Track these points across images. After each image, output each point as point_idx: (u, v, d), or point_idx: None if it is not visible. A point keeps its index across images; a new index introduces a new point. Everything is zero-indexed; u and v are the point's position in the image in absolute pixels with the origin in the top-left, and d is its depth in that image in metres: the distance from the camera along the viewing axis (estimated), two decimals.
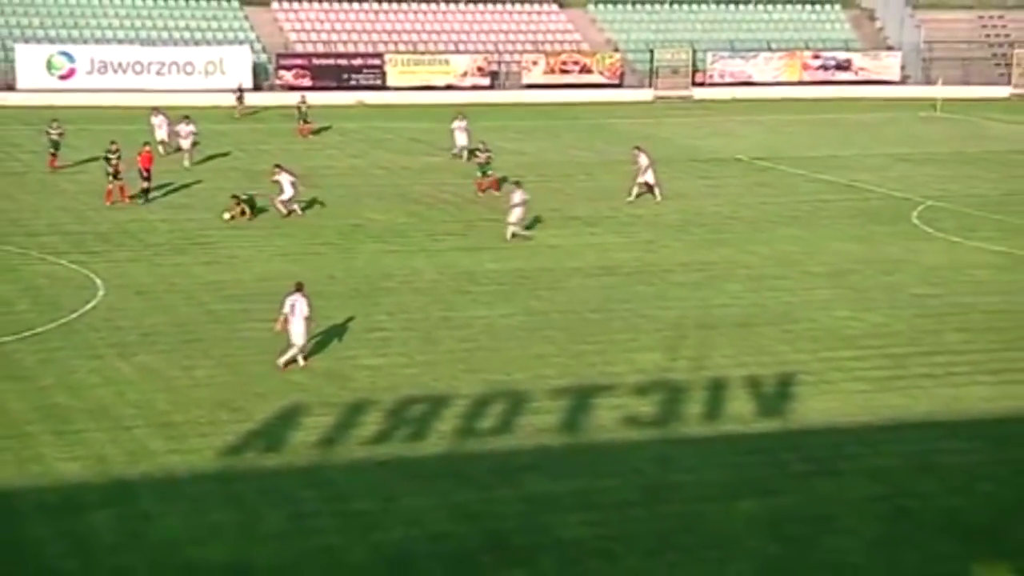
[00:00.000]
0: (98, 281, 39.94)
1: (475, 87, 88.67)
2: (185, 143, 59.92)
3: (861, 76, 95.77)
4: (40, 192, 53.24)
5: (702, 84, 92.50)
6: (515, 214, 46.52)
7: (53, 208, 50.03)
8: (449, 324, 36.63)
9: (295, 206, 49.78)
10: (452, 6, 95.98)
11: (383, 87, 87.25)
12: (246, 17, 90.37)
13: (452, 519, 24.59)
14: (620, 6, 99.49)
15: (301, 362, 32.94)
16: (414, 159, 63.82)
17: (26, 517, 24.33)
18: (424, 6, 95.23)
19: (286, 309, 32.74)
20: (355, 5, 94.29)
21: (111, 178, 50.95)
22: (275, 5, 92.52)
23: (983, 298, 40.45)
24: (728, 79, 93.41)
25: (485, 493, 25.75)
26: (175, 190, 53.17)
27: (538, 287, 40.80)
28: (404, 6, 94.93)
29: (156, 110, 63.67)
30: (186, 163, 59.06)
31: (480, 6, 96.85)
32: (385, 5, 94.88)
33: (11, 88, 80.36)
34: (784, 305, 39.37)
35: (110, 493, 25.42)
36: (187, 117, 60.79)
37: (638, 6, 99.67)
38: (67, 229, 46.78)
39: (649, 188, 53.49)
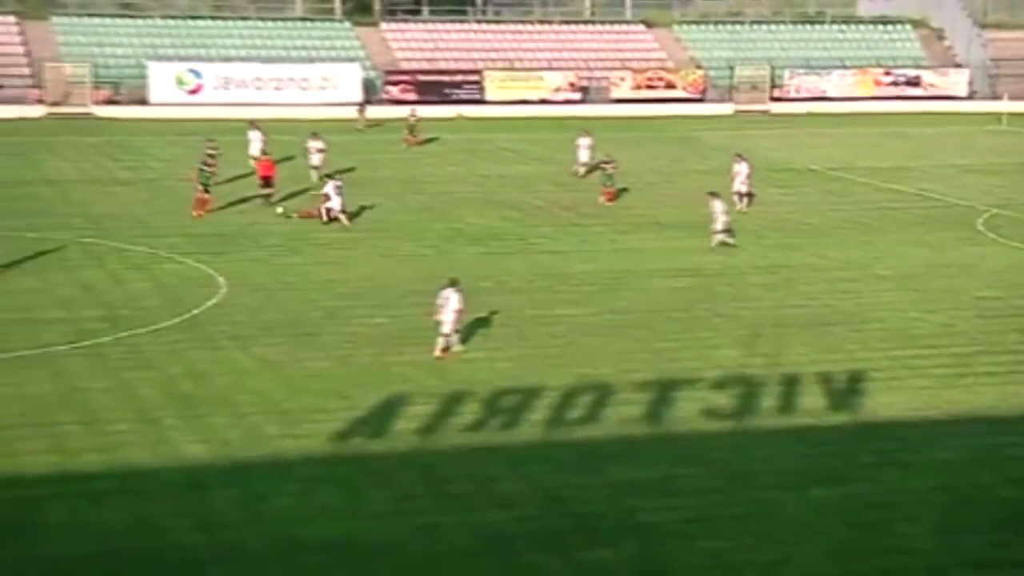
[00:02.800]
0: (220, 279, 40.34)
1: (567, 101, 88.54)
2: (315, 159, 57.45)
3: (930, 92, 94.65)
4: (170, 198, 53.85)
5: (779, 99, 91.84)
6: (720, 222, 45.79)
7: (181, 212, 50.53)
8: (540, 322, 36.65)
9: (340, 215, 48.93)
10: (546, 27, 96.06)
11: (481, 101, 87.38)
12: (357, 37, 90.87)
13: (542, 502, 24.62)
14: (703, 26, 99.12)
15: (457, 348, 33.31)
16: (509, 168, 63.87)
17: (155, 495, 24.63)
18: (520, 27, 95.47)
19: (439, 302, 33.13)
20: (457, 25, 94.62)
21: (203, 188, 49.82)
22: (383, 26, 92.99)
23: None
24: (804, 94, 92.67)
25: (573, 478, 25.75)
26: (290, 196, 53.44)
27: (624, 288, 40.72)
28: (502, 27, 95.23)
29: (252, 124, 61.42)
30: (314, 177, 56.32)
31: (572, 27, 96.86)
32: (484, 26, 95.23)
33: (144, 102, 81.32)
34: (854, 306, 39.05)
35: (230, 474, 25.70)
36: (315, 133, 58.82)
37: (719, 26, 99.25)
38: (193, 231, 47.26)
39: (740, 196, 52.48)
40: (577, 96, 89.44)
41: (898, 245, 47.76)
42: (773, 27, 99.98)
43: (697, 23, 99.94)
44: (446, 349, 33.24)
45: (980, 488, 25.61)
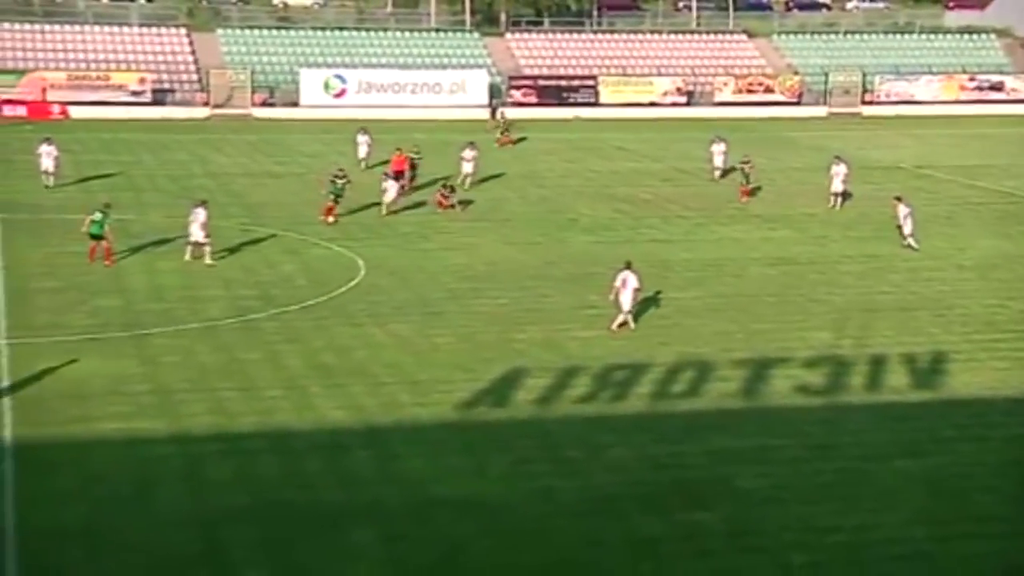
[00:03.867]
0: (360, 263, 40.72)
1: (674, 104, 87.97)
2: (467, 167, 54.58)
3: (1012, 96, 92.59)
4: (316, 190, 54.36)
5: (870, 103, 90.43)
6: (908, 226, 43.75)
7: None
8: (648, 304, 36.50)
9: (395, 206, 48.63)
10: (656, 36, 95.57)
11: (596, 104, 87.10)
12: (485, 46, 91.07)
13: (647, 468, 24.60)
14: (800, 36, 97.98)
15: (632, 324, 33.57)
16: (620, 165, 63.57)
17: (301, 455, 25.01)
18: (632, 36, 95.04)
19: (617, 283, 33.46)
20: (574, 35, 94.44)
21: (333, 199, 47.68)
22: (508, 36, 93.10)
23: None
24: (894, 98, 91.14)
25: (675, 447, 25.69)
26: (417, 188, 53.65)
27: (724, 275, 40.44)
28: (615, 36, 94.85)
29: (363, 130, 60.30)
30: (465, 185, 53.93)
31: (680, 36, 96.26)
32: (599, 36, 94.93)
33: (296, 104, 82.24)
34: (938, 293, 38.43)
35: (367, 437, 25.99)
36: (471, 143, 56.29)
37: (815, 36, 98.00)
38: (338, 219, 47.70)
39: (836, 196, 51.25)
40: (683, 100, 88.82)
41: (979, 238, 46.88)
42: (865, 36, 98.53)
43: (795, 33, 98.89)
44: (623, 324, 33.51)
45: None
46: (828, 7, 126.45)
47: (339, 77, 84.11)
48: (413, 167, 53.40)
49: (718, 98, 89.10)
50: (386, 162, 53.85)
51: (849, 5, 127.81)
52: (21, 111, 74.66)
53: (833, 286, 39.06)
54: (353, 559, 20.74)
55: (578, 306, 36.23)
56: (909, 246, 43.33)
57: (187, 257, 39.84)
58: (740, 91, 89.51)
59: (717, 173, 57.92)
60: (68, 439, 25.31)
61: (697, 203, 52.62)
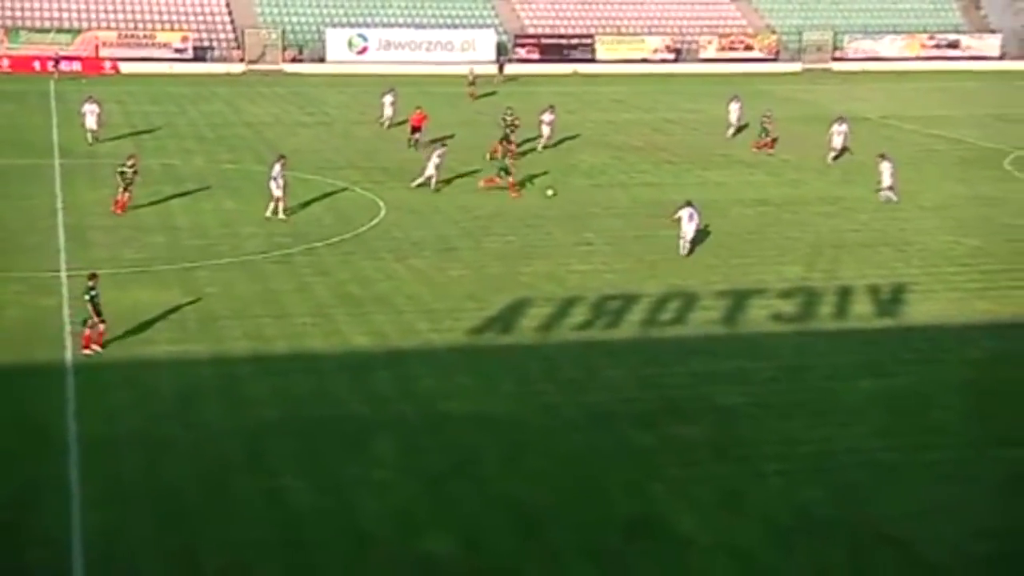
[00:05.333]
0: (381, 203, 40.57)
1: (663, 60, 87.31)
2: (546, 129, 50.93)
3: (967, 53, 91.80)
4: (342, 137, 54.17)
5: (840, 59, 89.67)
6: (887, 179, 42.22)
7: (351, 150, 50.83)
8: (639, 241, 36.41)
9: (424, 180, 42.70)
10: None
11: (593, 60, 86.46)
12: (492, 7, 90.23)
13: (638, 387, 24.63)
14: None
15: (684, 251, 34.33)
16: (616, 115, 63.12)
17: (330, 375, 25.05)
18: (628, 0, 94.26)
19: (677, 216, 34.59)
20: None
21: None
22: None
23: None
24: (860, 55, 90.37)
25: (664, 368, 25.70)
26: (437, 139, 53.29)
27: (708, 214, 40.11)
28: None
29: (391, 90, 57.10)
30: (539, 147, 50.63)
31: None
32: None
33: (322, 60, 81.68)
34: (900, 231, 38.29)
35: (388, 359, 26.01)
36: (551, 106, 52.23)
37: None
38: (360, 165, 47.51)
39: (838, 151, 49.49)
40: (672, 56, 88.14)
41: (938, 181, 46.64)
42: None
43: None
44: (689, 253, 34.23)
45: (1003, 382, 25.17)
46: None
47: (361, 36, 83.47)
48: (507, 136, 48.75)
49: (703, 55, 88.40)
50: (403, 122, 52.80)
51: None
52: (77, 67, 74.19)
53: (805, 225, 38.91)
54: (377, 466, 20.84)
55: (577, 243, 36.13)
56: (889, 199, 41.96)
57: (267, 214, 37.61)
58: (723, 49, 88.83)
59: (731, 131, 55.17)
60: (121, 360, 25.36)
61: (684, 151, 52.31)
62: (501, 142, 48.34)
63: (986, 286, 32.09)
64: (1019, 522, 19.04)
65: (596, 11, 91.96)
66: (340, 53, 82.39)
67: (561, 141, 53.32)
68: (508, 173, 42.60)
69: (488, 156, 47.51)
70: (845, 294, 31.22)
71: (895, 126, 58.43)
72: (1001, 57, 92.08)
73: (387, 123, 55.98)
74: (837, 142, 50.01)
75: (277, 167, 38.13)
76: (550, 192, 41.93)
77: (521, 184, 42.94)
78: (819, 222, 39.34)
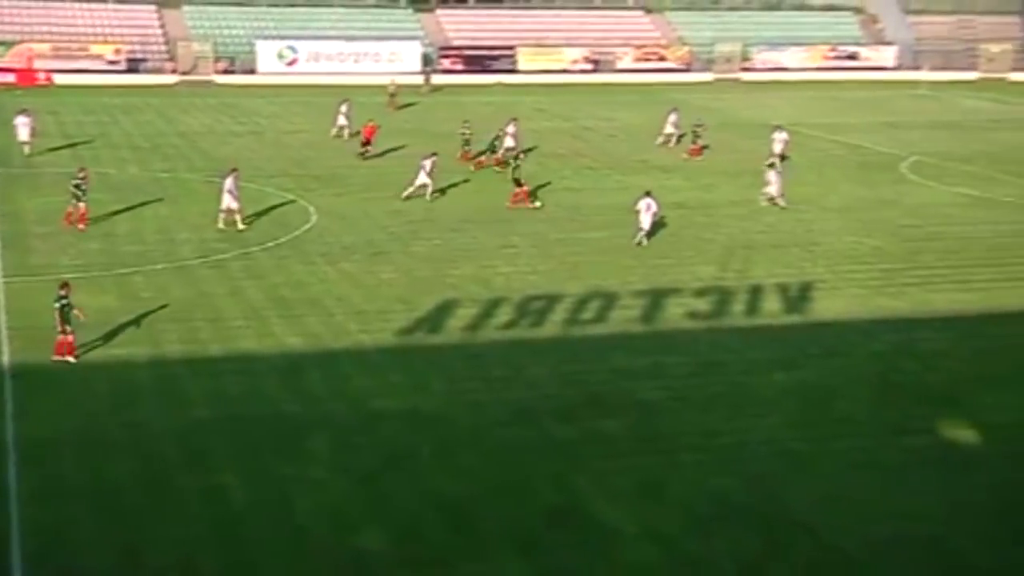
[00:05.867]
0: (312, 210, 40.25)
1: (582, 71, 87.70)
2: (510, 141, 49.38)
3: (865, 64, 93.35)
4: (274, 146, 53.65)
5: (748, 70, 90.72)
6: (773, 186, 42.11)
7: (283, 159, 50.36)
8: (561, 244, 36.50)
9: (416, 190, 42.20)
10: (566, 12, 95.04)
11: (515, 71, 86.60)
12: (417, 20, 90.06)
13: (561, 383, 24.66)
14: (689, 12, 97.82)
15: (645, 242, 35.49)
16: (537, 124, 63.04)
17: (263, 375, 24.77)
18: (545, 12, 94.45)
19: (638, 207, 35.77)
20: (496, 11, 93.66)
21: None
22: (439, 11, 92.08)
23: (953, 228, 39.56)
24: (768, 66, 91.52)
25: (585, 365, 25.76)
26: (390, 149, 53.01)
27: (626, 217, 40.39)
28: (531, 12, 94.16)
29: (345, 100, 57.12)
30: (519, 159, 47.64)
31: (586, 11, 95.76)
32: (517, 11, 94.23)
33: (253, 72, 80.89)
34: (806, 232, 38.78)
35: (320, 360, 25.79)
36: (514, 119, 51.32)
37: (702, 12, 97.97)
38: (292, 173, 47.10)
39: (774, 157, 48.68)
40: (590, 67, 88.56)
41: (840, 184, 47.32)
42: (744, 12, 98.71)
43: (685, 9, 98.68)
44: (640, 243, 35.21)
45: (903, 373, 25.56)
46: None
47: (291, 48, 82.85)
48: (494, 147, 48.81)
49: (619, 65, 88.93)
50: (357, 134, 52.31)
51: None
52: (11, 78, 72.74)
53: (718, 227, 39.25)
54: (311, 464, 20.65)
55: (502, 246, 36.13)
56: (775, 203, 41.69)
57: (220, 224, 36.91)
58: (638, 60, 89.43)
59: (671, 140, 54.90)
60: (59, 363, 24.86)
61: (603, 157, 52.54)
62: (465, 153, 48.78)
63: (886, 283, 32.63)
64: (917, 506, 19.35)
65: (517, 24, 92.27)
66: (270, 65, 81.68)
67: (483, 150, 53.25)
68: (520, 184, 41.86)
69: (473, 166, 47.49)
70: (756, 292, 31.53)
71: (800, 132, 59.00)
72: (897, 67, 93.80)
73: (342, 132, 55.34)
74: (776, 148, 50.06)
75: (230, 180, 37.39)
76: (538, 203, 41.79)
77: (442, 192, 42.79)
78: (731, 224, 39.70)
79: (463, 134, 50.00)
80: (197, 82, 77.49)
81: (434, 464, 20.76)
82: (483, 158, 48.71)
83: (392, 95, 67.39)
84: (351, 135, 54.47)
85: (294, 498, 19.37)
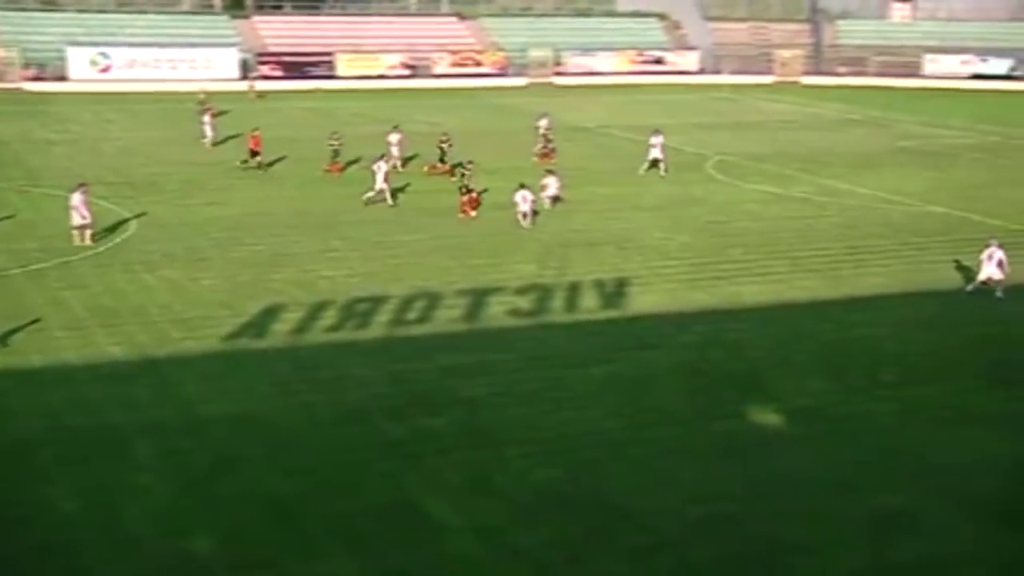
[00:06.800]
0: (131, 217, 39.26)
1: (399, 76, 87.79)
2: (395, 150, 49.87)
3: (671, 68, 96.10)
4: (90, 154, 52.06)
5: (561, 74, 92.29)
6: (551, 190, 42.73)
7: (99, 166, 48.99)
8: (383, 246, 36.50)
9: (376, 194, 42.53)
10: (382, 18, 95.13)
11: (333, 77, 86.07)
12: (234, 27, 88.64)
13: (388, 383, 24.66)
14: (503, 18, 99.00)
15: (525, 224, 38.76)
16: (357, 128, 62.95)
17: (87, 385, 24.07)
18: (362, 18, 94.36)
19: (517, 199, 39.18)
20: (313, 17, 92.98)
21: (333, 157, 47.18)
22: (255, 18, 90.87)
23: (755, 224, 41.00)
24: (579, 70, 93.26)
25: (411, 364, 25.83)
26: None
27: (446, 219, 40.70)
28: (348, 18, 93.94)
29: (207, 109, 56.71)
30: (398, 168, 49.17)
31: (402, 18, 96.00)
32: (334, 17, 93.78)
33: (64, 79, 78.24)
34: (620, 230, 39.64)
35: (144, 368, 25.19)
36: (397, 127, 51.66)
37: (516, 19, 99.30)
38: (109, 180, 45.83)
39: (655, 163, 49.88)
40: (407, 72, 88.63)
41: (651, 184, 48.49)
42: (556, 19, 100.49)
43: (498, 15, 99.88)
44: (531, 223, 38.73)
45: (713, 362, 26.34)
46: None
47: (104, 54, 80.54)
48: (335, 161, 48.82)
49: (436, 71, 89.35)
50: (225, 140, 51.05)
51: None
52: None
53: (537, 226, 39.79)
54: (139, 471, 20.17)
55: (325, 249, 35.92)
56: (534, 213, 40.66)
57: (76, 242, 35.37)
58: (455, 65, 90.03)
59: (539, 145, 55.21)
60: None
61: (422, 160, 52.59)
62: (334, 164, 48.57)
63: (696, 277, 33.65)
64: (725, 487, 20.07)
65: (335, 30, 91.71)
66: (83, 71, 79.24)
67: (311, 153, 52.82)
68: (469, 191, 41.45)
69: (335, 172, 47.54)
70: (575, 289, 32.12)
71: (612, 134, 60.52)
72: (700, 72, 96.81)
73: (208, 142, 54.12)
74: (653, 153, 50.10)
75: (77, 195, 35.80)
76: (473, 214, 41.50)
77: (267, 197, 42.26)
78: (549, 223, 40.28)
79: (332, 145, 49.29)
80: (6, 90, 74.52)
81: (263, 466, 20.54)
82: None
83: (202, 103, 65.73)
84: (213, 144, 53.71)
85: (122, 505, 18.91)
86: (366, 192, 42.53)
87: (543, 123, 56.08)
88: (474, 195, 41.71)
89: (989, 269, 31.73)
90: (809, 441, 22.18)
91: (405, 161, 49.92)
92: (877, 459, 21.28)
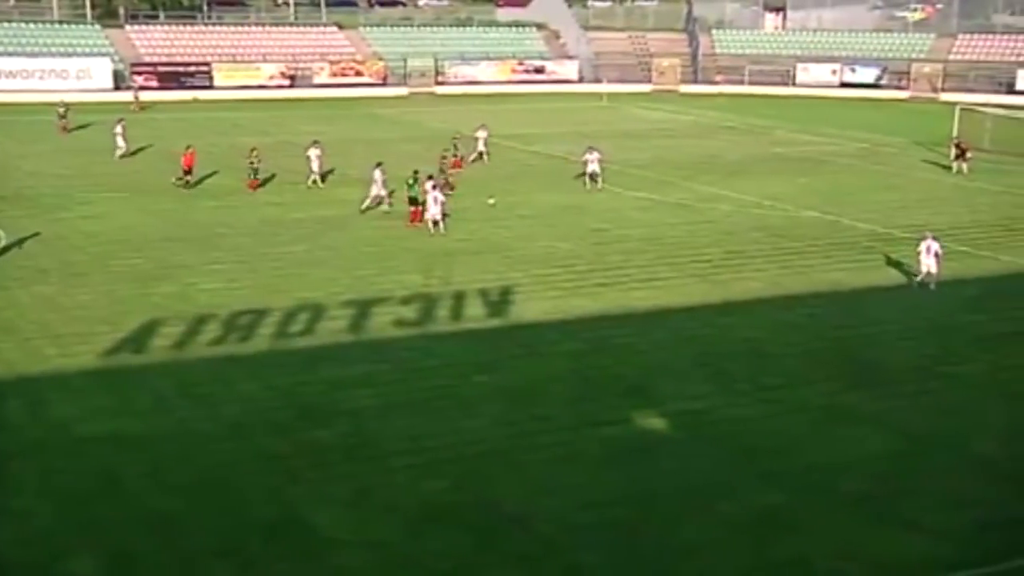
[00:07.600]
0: (1, 232, 38.06)
1: (279, 86, 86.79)
2: (315, 164, 48.49)
3: (551, 77, 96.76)
4: None
5: (442, 83, 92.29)
6: (377, 186, 42.67)
7: None
8: (266, 258, 36.03)
9: (372, 202, 43.04)
10: (260, 28, 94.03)
11: (211, 87, 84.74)
12: (106, 37, 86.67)
13: (272, 397, 24.34)
14: (382, 28, 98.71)
15: (442, 228, 39.25)
16: (235, 139, 62.07)
17: None
18: (240, 28, 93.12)
19: (428, 200, 39.55)
20: (189, 27, 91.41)
21: (252, 175, 46.96)
22: (128, 27, 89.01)
23: (636, 230, 41.47)
24: (460, 79, 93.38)
25: (296, 377, 25.53)
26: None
27: (330, 229, 40.37)
28: (225, 28, 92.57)
29: (120, 120, 55.39)
30: (320, 183, 48.52)
31: (281, 28, 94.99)
32: (211, 27, 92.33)
33: None
34: (504, 239, 39.76)
35: (18, 387, 24.46)
36: (316, 141, 50.02)
37: (395, 28, 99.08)
38: None
39: (591, 176, 49.31)
40: (287, 82, 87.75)
41: (535, 192, 48.76)
42: (436, 29, 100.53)
43: (378, 25, 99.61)
44: (435, 223, 39.43)
45: (598, 368, 26.54)
46: (404, 4, 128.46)
47: None
48: (254, 178, 47.51)
49: (316, 80, 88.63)
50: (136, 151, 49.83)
51: (421, 2, 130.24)
52: None
53: (420, 236, 39.67)
54: (15, 494, 19.55)
55: (206, 262, 35.31)
56: (380, 205, 42.30)
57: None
58: (335, 75, 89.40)
59: (474, 156, 55.40)
60: None
61: (306, 171, 52.03)
62: (252, 181, 47.28)
63: (579, 284, 33.90)
64: (613, 492, 20.25)
65: (212, 40, 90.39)
66: None
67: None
68: (416, 203, 40.79)
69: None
70: (459, 298, 32.11)
71: (496, 143, 60.64)
72: (580, 80, 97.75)
73: (121, 153, 52.79)
74: (591, 168, 49.69)
75: None
76: (491, 201, 43.28)
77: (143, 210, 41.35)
78: (434, 232, 40.16)
79: (252, 162, 47.99)
80: None
81: (145, 485, 20.07)
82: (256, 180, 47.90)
83: (62, 116, 63.64)
84: (123, 156, 52.56)
85: None
86: (363, 202, 42.81)
87: (481, 134, 56.44)
88: (420, 209, 40.98)
89: (928, 261, 33.29)
90: (694, 444, 22.50)
91: (324, 176, 49.13)
92: (758, 460, 21.69)
